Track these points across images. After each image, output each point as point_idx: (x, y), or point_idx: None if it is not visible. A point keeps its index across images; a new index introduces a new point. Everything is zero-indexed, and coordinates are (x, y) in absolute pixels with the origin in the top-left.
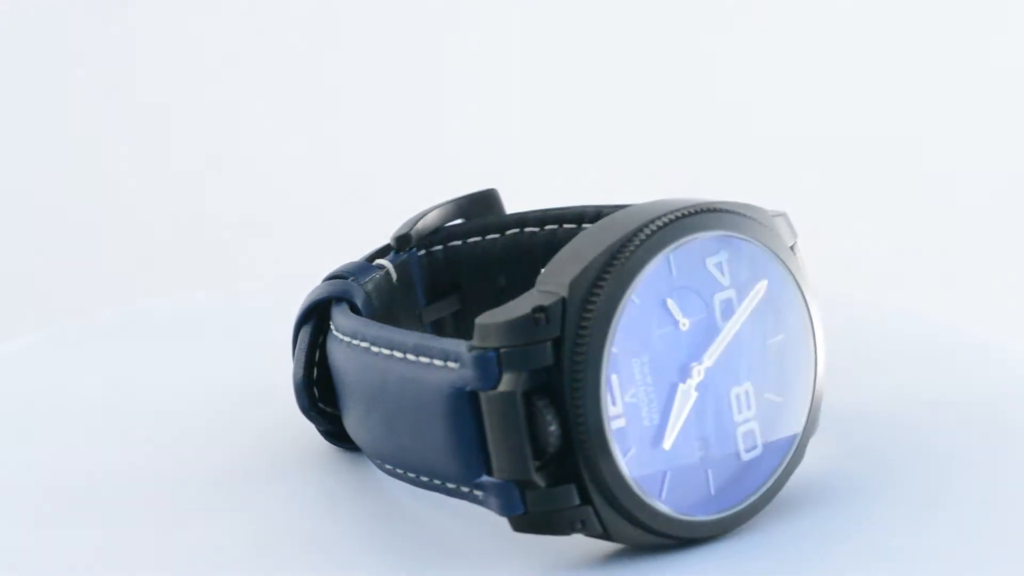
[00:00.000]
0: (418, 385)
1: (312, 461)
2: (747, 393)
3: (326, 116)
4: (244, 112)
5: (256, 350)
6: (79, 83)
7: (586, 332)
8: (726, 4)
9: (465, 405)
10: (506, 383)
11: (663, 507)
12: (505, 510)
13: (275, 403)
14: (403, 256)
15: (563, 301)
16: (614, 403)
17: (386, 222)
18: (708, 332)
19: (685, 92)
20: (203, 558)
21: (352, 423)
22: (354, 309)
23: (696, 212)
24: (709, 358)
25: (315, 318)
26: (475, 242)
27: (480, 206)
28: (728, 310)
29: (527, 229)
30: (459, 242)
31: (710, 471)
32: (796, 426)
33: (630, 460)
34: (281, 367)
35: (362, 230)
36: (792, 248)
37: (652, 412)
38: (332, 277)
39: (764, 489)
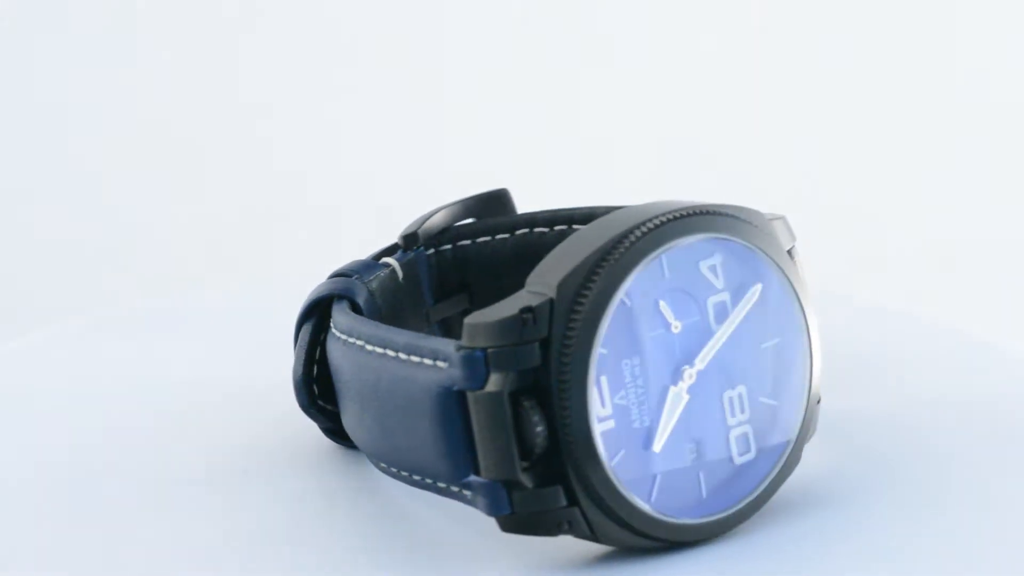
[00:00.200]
0: (409, 384)
1: (312, 459)
2: (740, 397)
3: (336, 114)
4: (248, 110)
5: (257, 348)
6: (79, 83)
7: (574, 333)
8: (730, 4)
9: (453, 405)
10: (493, 383)
11: (652, 510)
12: (492, 510)
13: (276, 401)
14: (410, 255)
15: (551, 302)
16: (603, 405)
17: (398, 222)
18: (701, 335)
19: (705, 91)
20: (202, 555)
21: (349, 421)
22: (356, 307)
23: (689, 214)
24: (701, 361)
25: (316, 315)
26: (485, 242)
27: (491, 206)
28: (722, 313)
29: (537, 229)
30: (468, 241)
31: (702, 474)
32: (791, 430)
33: (619, 462)
34: (283, 365)
35: (374, 230)
36: (790, 251)
37: (643, 414)
38: (336, 275)
39: (757, 493)
